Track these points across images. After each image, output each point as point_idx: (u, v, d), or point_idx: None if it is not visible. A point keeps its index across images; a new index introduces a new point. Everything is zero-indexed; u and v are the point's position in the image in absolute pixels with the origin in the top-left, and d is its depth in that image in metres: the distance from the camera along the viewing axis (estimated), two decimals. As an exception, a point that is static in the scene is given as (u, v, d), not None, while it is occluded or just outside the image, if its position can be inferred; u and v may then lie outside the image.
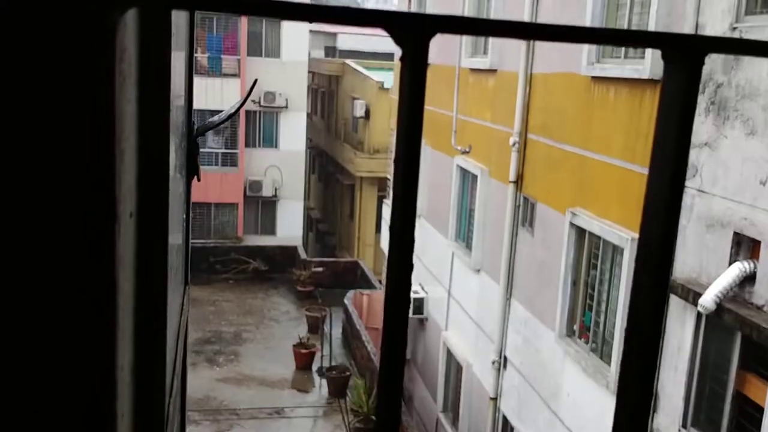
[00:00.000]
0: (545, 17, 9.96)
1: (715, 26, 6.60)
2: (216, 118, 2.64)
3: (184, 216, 1.70)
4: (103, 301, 0.62)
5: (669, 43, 0.56)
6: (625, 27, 8.21)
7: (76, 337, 0.61)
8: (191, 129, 1.87)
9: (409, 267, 0.58)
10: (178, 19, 1.79)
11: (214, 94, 23.29)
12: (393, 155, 0.56)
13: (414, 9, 15.60)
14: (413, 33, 0.52)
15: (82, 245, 0.59)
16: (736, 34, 6.34)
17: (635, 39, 0.57)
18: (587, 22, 8.60)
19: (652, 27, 7.43)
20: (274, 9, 0.49)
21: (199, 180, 1.91)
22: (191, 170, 1.82)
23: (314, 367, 17.35)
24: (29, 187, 0.55)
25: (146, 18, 0.54)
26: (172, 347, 1.29)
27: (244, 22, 25.00)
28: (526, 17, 10.18)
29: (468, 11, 12.58)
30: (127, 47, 0.56)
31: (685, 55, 0.56)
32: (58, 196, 0.56)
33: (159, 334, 0.83)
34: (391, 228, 0.55)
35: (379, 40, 36.26)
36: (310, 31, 27.94)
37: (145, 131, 0.62)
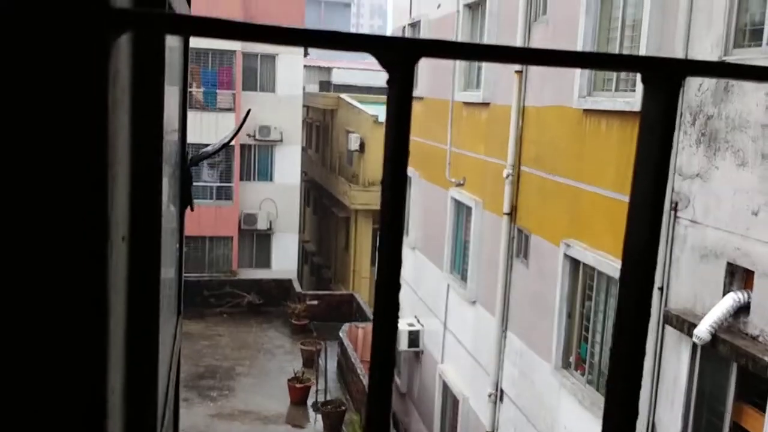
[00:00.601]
0: (537, 51, 10.10)
1: (704, 59, 6.70)
2: (210, 147, 2.66)
3: (177, 245, 1.71)
4: (95, 323, 0.63)
5: (648, 67, 0.57)
6: (616, 60, 8.32)
7: (67, 358, 0.61)
8: (185, 159, 1.89)
9: (397, 286, 0.58)
10: (172, 53, 1.81)
11: (209, 128, 23.43)
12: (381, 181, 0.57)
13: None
14: (399, 56, 0.54)
15: (74, 266, 0.60)
16: (724, 67, 6.43)
17: (615, 62, 0.58)
18: (578, 55, 8.71)
19: (642, 60, 7.54)
20: (266, 34, 0.51)
21: (192, 210, 1.93)
22: (184, 200, 1.83)
23: (309, 402, 17.17)
24: (20, 208, 0.56)
25: (140, 43, 0.55)
26: (164, 376, 1.29)
27: (239, 57, 25.25)
28: (518, 51, 10.32)
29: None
30: (120, 71, 0.58)
31: (664, 77, 0.57)
32: (49, 217, 0.57)
33: (151, 359, 0.83)
34: (380, 245, 0.56)
35: (374, 75, 36.61)
36: (305, 66, 28.23)
37: (138, 156, 0.63)
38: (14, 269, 0.58)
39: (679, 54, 7.00)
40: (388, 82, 0.56)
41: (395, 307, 0.57)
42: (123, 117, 0.61)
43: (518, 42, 10.31)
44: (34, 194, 0.55)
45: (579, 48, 8.74)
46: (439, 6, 13.93)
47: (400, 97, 0.54)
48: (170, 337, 1.41)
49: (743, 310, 6.02)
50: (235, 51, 25.03)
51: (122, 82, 0.59)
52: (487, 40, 11.58)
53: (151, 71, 0.54)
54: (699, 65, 0.58)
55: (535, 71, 10.14)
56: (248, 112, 3.28)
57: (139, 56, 0.54)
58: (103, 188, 0.57)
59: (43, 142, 0.54)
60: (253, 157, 26.31)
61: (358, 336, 19.10)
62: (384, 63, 0.54)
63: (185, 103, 2.30)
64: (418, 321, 14.80)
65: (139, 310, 0.73)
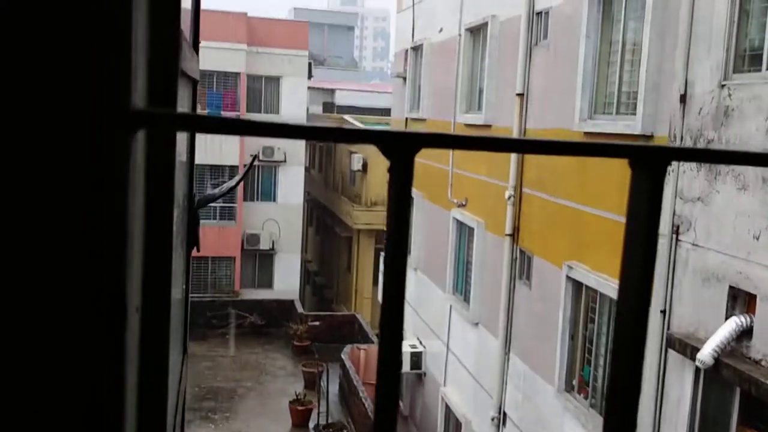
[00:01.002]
0: (538, 75, 10.17)
1: (704, 83, 6.75)
2: (216, 190, 2.71)
3: (184, 287, 1.74)
4: (111, 394, 0.66)
5: (635, 154, 0.61)
6: (616, 85, 8.39)
7: (84, 424, 0.64)
8: (192, 201, 1.93)
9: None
10: (183, 89, 1.85)
11: (214, 150, 23.55)
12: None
13: (409, 68, 15.90)
14: (399, 148, 0.57)
15: (94, 337, 0.63)
16: (724, 92, 6.48)
17: (603, 150, 0.62)
18: (579, 81, 8.78)
19: (642, 84, 7.60)
20: (274, 130, 0.54)
21: (198, 251, 1.96)
22: (191, 242, 1.87)
23: (311, 425, 17.09)
24: (45, 288, 0.60)
25: (154, 138, 0.59)
26: (171, 417, 1.31)
27: (243, 78, 25.42)
28: (519, 75, 10.40)
29: (462, 75, 12.83)
30: (137, 162, 0.61)
31: (650, 163, 0.61)
32: (73, 295, 0.60)
33: (160, 415, 0.86)
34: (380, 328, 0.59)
35: (377, 96, 36.82)
36: (309, 88, 28.42)
37: (150, 230, 0.67)
38: (37, 339, 0.61)
39: (678, 76, 7.05)
40: (390, 170, 0.60)
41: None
42: (138, 200, 0.64)
43: (519, 66, 10.39)
44: (59, 273, 0.59)
45: (579, 71, 8.80)
46: (441, 30, 14.06)
47: (400, 184, 0.58)
48: (176, 379, 1.44)
49: (746, 334, 6.02)
50: (239, 73, 25.22)
51: (138, 171, 0.62)
52: (488, 63, 11.68)
53: (164, 161, 0.58)
54: (683, 152, 0.62)
55: (536, 94, 10.21)
56: (254, 158, 3.35)
57: (154, 148, 0.57)
58: (121, 266, 0.60)
59: (69, 229, 0.57)
60: (256, 178, 26.40)
61: (360, 358, 19.02)
62: (386, 153, 0.58)
63: (193, 139, 2.33)
64: (421, 342, 14.77)
65: (149, 373, 0.76)
